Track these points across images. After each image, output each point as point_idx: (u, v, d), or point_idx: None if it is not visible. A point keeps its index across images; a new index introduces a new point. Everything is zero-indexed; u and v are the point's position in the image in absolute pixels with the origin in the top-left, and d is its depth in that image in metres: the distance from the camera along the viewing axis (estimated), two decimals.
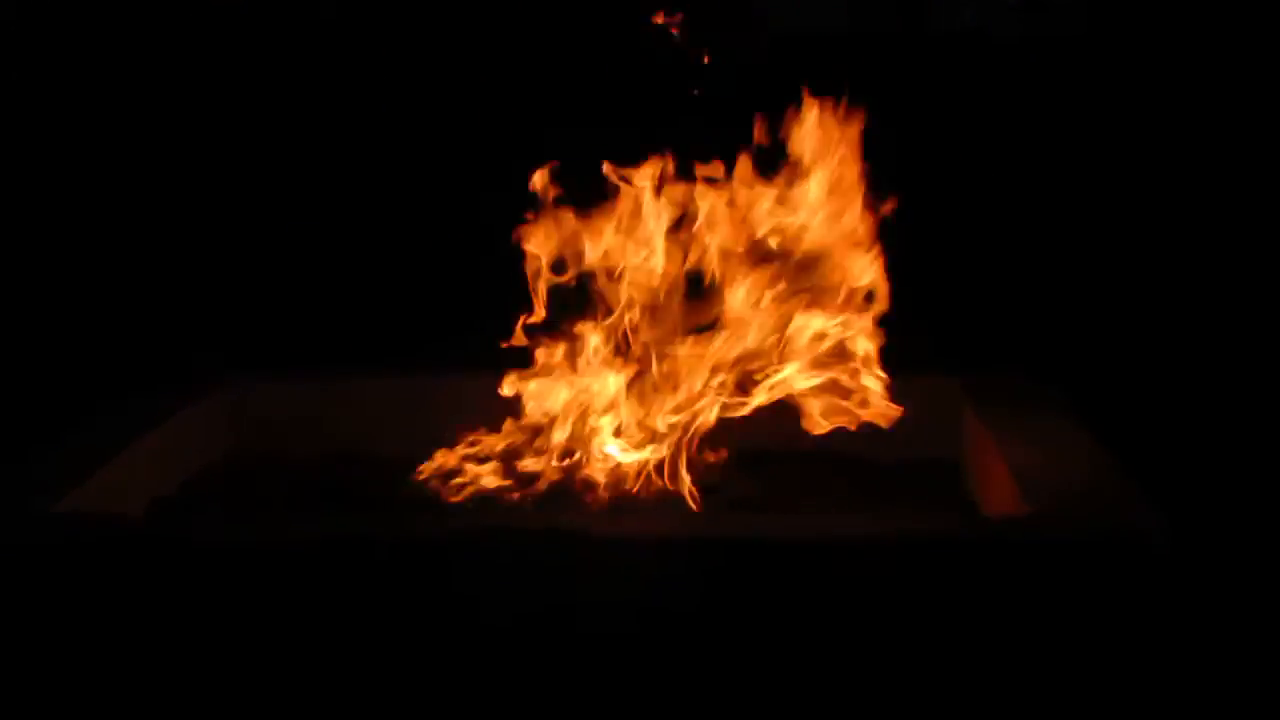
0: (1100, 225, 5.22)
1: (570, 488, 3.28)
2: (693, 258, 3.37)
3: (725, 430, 3.37)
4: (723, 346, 3.31)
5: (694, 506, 3.25)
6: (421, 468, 3.37)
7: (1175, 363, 4.43)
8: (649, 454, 3.30)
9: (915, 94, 5.17)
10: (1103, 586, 2.67)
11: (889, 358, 3.28)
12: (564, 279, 3.41)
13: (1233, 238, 5.13)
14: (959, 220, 4.94)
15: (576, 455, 3.34)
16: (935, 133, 5.21)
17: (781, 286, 3.30)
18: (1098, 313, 4.81)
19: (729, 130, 3.32)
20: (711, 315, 3.36)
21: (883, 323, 3.27)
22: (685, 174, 3.36)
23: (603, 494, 3.26)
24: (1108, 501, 2.91)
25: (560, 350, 3.40)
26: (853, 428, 3.26)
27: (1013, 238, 5.10)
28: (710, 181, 3.34)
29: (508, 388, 3.41)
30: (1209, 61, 5.40)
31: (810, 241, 3.31)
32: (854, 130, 3.28)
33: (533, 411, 3.40)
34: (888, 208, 3.27)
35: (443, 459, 3.38)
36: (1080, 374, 3.84)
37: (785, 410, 3.32)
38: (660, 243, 3.36)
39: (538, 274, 3.40)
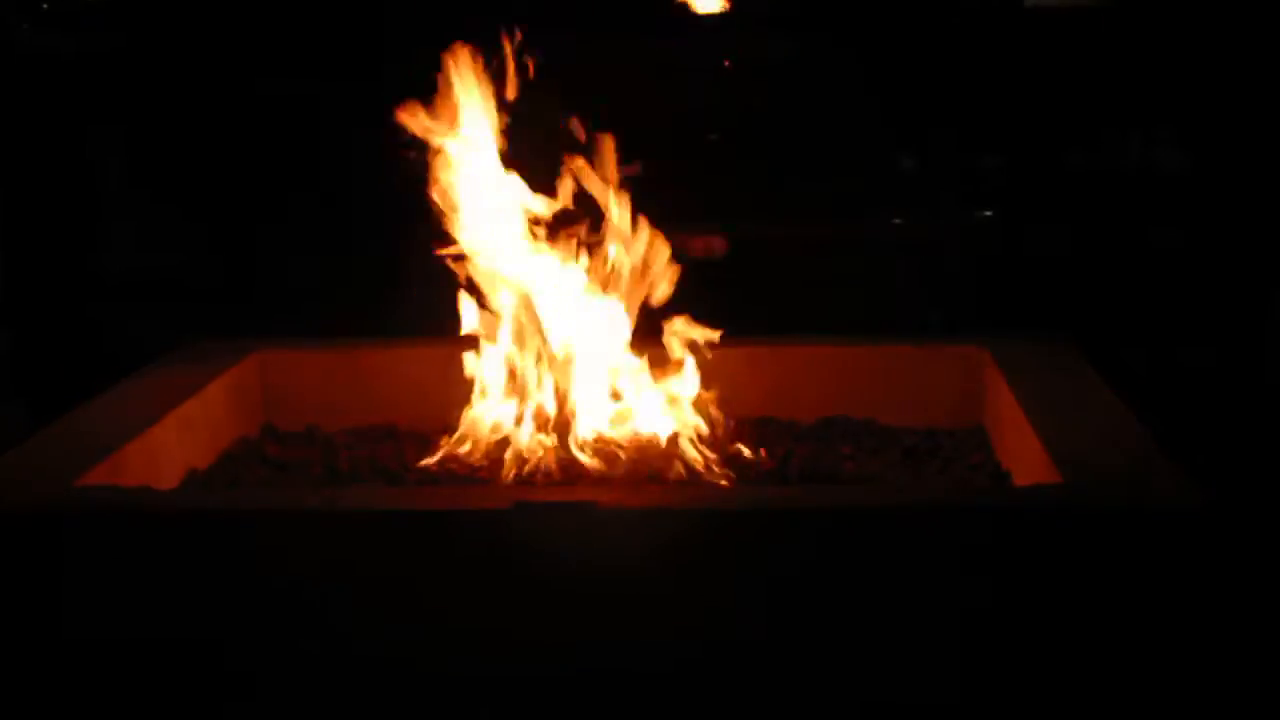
0: (1133, 185, 5.17)
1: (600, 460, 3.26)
2: None
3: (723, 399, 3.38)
4: None
5: (727, 480, 3.23)
6: (442, 440, 3.38)
7: (1207, 326, 4.38)
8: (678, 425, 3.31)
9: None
10: (1138, 559, 2.64)
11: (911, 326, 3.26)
12: None
13: (1266, 202, 5.06)
14: (987, 185, 4.90)
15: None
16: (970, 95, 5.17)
17: None
18: (1126, 277, 4.76)
19: None
20: None
21: None
22: None
23: (628, 465, 3.24)
24: (1143, 471, 2.87)
25: None
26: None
27: (1042, 202, 5.06)
28: None
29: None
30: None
31: None
32: None
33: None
34: None
35: (468, 432, 3.37)
36: (1108, 339, 3.81)
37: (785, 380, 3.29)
38: None
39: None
